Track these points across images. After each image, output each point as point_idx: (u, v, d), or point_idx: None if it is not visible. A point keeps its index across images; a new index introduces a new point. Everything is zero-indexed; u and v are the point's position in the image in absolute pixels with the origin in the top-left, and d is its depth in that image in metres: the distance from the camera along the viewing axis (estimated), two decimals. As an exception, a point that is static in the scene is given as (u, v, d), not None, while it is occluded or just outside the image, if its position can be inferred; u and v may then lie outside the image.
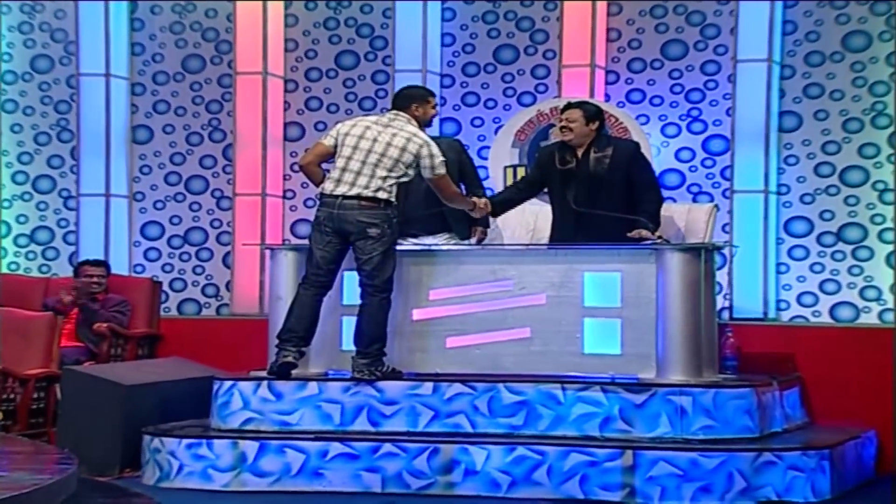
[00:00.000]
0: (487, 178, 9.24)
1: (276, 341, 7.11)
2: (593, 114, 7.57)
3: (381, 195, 6.99)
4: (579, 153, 7.51)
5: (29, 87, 10.74)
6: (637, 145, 7.81)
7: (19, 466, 4.55)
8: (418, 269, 7.37)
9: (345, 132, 7.16)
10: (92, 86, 10.52)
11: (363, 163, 7.02)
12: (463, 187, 7.64)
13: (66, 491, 4.43)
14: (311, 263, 7.08)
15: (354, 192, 6.99)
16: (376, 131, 7.12)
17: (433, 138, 7.40)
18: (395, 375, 7.07)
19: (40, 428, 7.74)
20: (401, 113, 7.21)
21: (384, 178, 7.00)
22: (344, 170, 7.05)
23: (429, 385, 7.08)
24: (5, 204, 10.70)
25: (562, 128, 7.59)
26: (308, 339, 7.09)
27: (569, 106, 7.70)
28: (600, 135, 7.60)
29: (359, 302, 7.08)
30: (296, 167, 10.25)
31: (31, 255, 10.67)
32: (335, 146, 7.15)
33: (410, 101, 7.28)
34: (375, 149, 7.04)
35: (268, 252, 7.95)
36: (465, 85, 10.54)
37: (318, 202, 7.19)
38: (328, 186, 7.08)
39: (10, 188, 10.73)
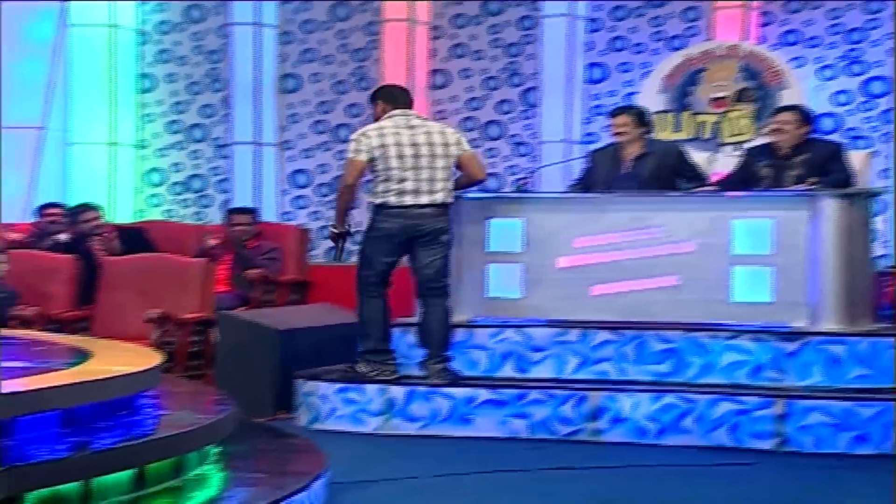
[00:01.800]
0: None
1: (374, 357, 7.11)
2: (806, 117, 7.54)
3: (450, 199, 7.00)
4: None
5: (183, 36, 11.03)
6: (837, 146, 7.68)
7: (181, 406, 4.76)
8: (563, 216, 7.40)
9: (380, 144, 6.88)
10: (243, 35, 10.76)
11: (432, 168, 6.90)
12: None
13: (225, 430, 4.62)
14: (374, 271, 7.04)
15: (435, 199, 6.91)
16: (420, 135, 6.95)
17: (657, 142, 7.66)
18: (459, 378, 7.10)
19: (198, 370, 8.02)
20: (411, 111, 7.08)
21: (448, 181, 6.97)
22: (417, 180, 6.87)
23: (575, 332, 7.14)
24: (162, 152, 11.05)
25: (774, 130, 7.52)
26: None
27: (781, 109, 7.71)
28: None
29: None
30: (441, 115, 10.36)
31: (186, 203, 11.02)
32: (371, 160, 6.92)
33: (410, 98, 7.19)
34: (436, 152, 6.91)
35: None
36: (612, 29, 10.48)
37: (378, 213, 6.96)
38: (403, 199, 6.88)
39: (165, 137, 11.07)
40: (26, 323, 7.58)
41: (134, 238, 8.89)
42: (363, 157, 6.88)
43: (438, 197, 6.92)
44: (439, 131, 7.04)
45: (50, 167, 10.67)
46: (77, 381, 3.87)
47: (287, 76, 10.88)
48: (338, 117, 10.79)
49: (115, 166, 10.86)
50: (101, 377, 4.00)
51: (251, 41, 10.74)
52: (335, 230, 7.03)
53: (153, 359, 4.76)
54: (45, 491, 3.42)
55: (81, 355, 4.78)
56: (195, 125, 11.03)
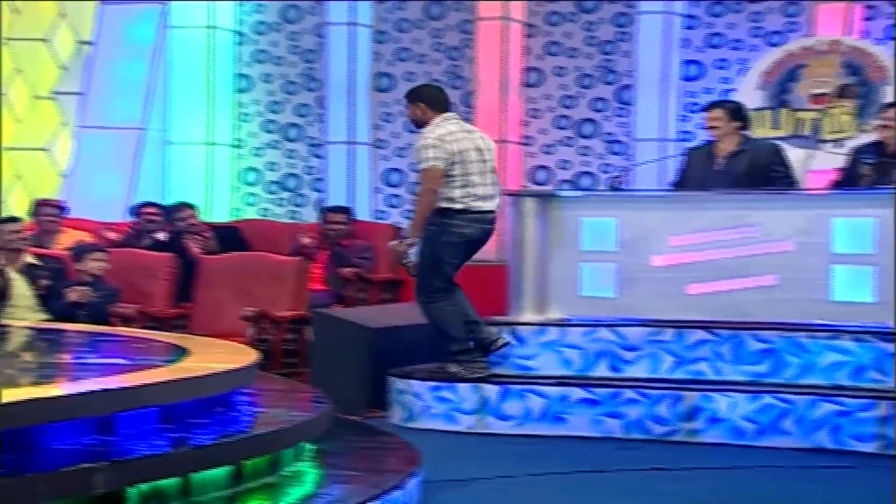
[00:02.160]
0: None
1: (463, 356, 7.09)
2: None
3: None
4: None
5: (279, 37, 11.16)
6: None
7: (277, 403, 4.81)
8: (657, 215, 7.34)
9: (459, 149, 6.85)
10: (338, 35, 10.84)
11: (493, 173, 7.04)
12: None
13: (320, 428, 4.66)
14: (443, 277, 6.96)
15: (498, 204, 7.08)
16: (479, 140, 7.02)
17: (753, 140, 7.56)
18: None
19: (293, 368, 8.10)
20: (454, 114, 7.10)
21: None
22: (485, 184, 6.94)
23: (671, 331, 7.07)
24: (257, 152, 11.18)
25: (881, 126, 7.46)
26: None
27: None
28: None
29: None
30: (534, 113, 10.35)
31: (280, 202, 11.14)
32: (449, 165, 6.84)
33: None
34: (490, 157, 7.03)
35: (507, 198, 8.03)
36: (709, 25, 10.38)
37: (454, 218, 6.84)
38: (484, 205, 6.92)
39: (261, 136, 11.20)
40: (126, 320, 7.72)
41: (229, 237, 9.02)
42: (441, 164, 6.77)
43: (498, 202, 7.07)
44: (484, 136, 7.13)
45: (149, 167, 10.86)
46: (175, 378, 3.93)
47: (381, 75, 10.94)
48: (431, 116, 10.80)
49: (212, 166, 11.01)
50: (198, 374, 4.06)
51: (346, 41, 10.82)
52: (410, 242, 6.86)
53: (249, 356, 4.81)
54: (145, 486, 3.47)
55: (179, 352, 4.85)
56: (290, 124, 11.14)
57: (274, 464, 4.20)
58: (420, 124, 6.89)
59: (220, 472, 3.83)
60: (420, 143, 6.81)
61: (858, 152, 7.58)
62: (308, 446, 4.74)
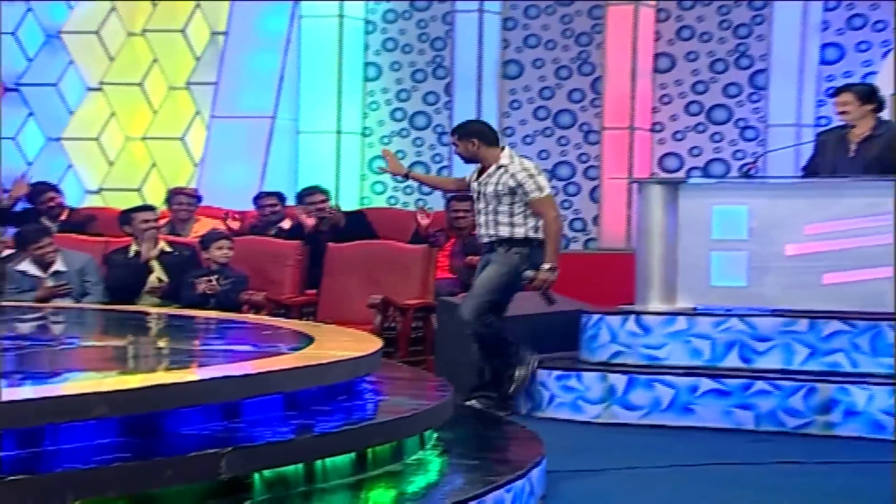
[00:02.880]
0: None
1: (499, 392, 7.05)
2: None
3: None
4: None
5: (408, 24, 11.19)
6: None
7: (400, 391, 4.83)
8: (790, 202, 7.18)
9: None
10: (466, 22, 10.84)
11: None
12: None
13: (444, 416, 4.67)
14: (504, 309, 7.01)
15: None
16: None
17: (888, 123, 7.38)
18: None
19: (420, 356, 8.14)
20: None
21: None
22: None
23: (804, 322, 6.92)
24: (384, 140, 11.26)
25: None
26: None
27: None
28: None
29: None
30: (665, 99, 10.24)
31: (408, 190, 11.19)
32: None
33: None
34: None
35: (635, 186, 7.96)
36: (850, 7, 10.12)
37: (533, 250, 6.86)
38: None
39: (389, 125, 11.27)
40: (256, 307, 7.83)
41: (356, 223, 9.08)
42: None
43: None
44: None
45: (279, 155, 11.01)
46: (300, 364, 3.97)
47: (509, 62, 10.91)
48: (559, 103, 10.76)
49: (340, 154, 11.12)
50: (322, 361, 4.09)
51: (474, 28, 10.81)
52: (554, 268, 6.85)
53: (374, 344, 4.84)
54: (270, 472, 3.51)
55: (305, 340, 4.90)
56: (418, 113, 11.18)
57: (397, 452, 4.22)
58: (470, 159, 6.98)
59: (343, 459, 3.86)
60: (523, 172, 6.82)
61: None
62: (432, 434, 4.75)
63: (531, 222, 6.82)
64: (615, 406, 6.99)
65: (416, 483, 4.09)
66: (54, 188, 9.84)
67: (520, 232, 6.81)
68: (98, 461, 3.05)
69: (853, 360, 6.80)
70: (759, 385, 6.76)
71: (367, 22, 11.26)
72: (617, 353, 7.22)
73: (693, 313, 7.22)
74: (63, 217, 9.53)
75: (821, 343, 6.87)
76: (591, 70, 10.64)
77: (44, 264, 7.98)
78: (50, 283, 7.93)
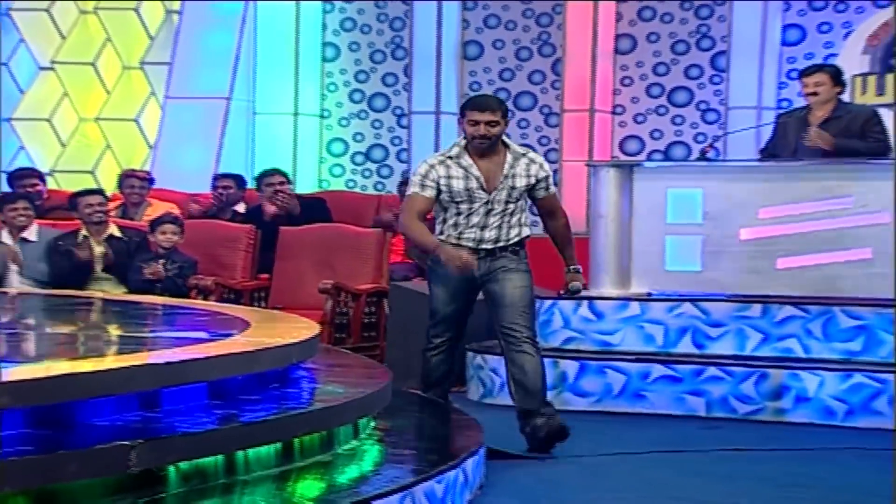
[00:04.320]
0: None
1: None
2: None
3: None
4: None
5: (366, 5, 11.08)
6: None
7: (338, 379, 4.75)
8: (746, 186, 7.13)
9: None
10: (425, 2, 10.73)
11: None
12: None
13: (378, 404, 4.59)
14: None
15: None
16: None
17: (848, 105, 7.33)
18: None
19: (373, 341, 8.05)
20: None
21: None
22: None
23: (757, 307, 6.88)
24: (343, 122, 11.15)
25: None
26: None
27: None
28: None
29: None
30: (626, 81, 10.16)
31: (366, 173, 11.10)
32: None
33: None
34: None
35: (589, 169, 7.88)
36: (812, -14, 10.08)
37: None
38: None
39: (347, 106, 11.16)
40: (204, 292, 7.72)
41: (313, 207, 8.97)
42: None
43: None
44: None
45: (235, 137, 10.88)
46: (224, 352, 3.88)
47: (470, 43, 10.81)
48: (520, 85, 10.67)
49: (298, 136, 11.00)
50: (249, 349, 4.00)
51: (434, 8, 10.71)
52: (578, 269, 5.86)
53: (310, 330, 4.75)
54: (186, 464, 3.42)
55: (242, 326, 4.81)
56: (377, 94, 11.07)
57: (328, 441, 4.13)
58: (492, 146, 5.52)
59: (268, 449, 3.77)
60: (541, 162, 5.65)
61: None
62: (370, 423, 4.67)
63: (527, 221, 5.73)
64: (566, 392, 6.93)
65: (346, 474, 4.01)
66: (38, 174, 9.76)
67: (526, 231, 5.71)
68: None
69: (805, 345, 6.77)
70: (711, 371, 6.72)
71: (325, 2, 11.14)
72: (570, 339, 7.16)
73: (646, 299, 7.17)
74: (44, 204, 9.39)
75: (773, 328, 6.83)
76: (551, 51, 10.56)
77: (15, 229, 7.95)
78: (16, 248, 7.91)
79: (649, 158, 9.96)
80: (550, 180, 5.69)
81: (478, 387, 7.20)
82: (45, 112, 11.46)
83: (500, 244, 5.60)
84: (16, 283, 7.89)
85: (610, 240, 7.28)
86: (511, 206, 5.57)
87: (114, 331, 5.09)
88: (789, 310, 6.83)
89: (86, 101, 11.46)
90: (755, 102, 10.02)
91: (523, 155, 5.61)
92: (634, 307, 7.07)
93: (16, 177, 9.64)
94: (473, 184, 5.51)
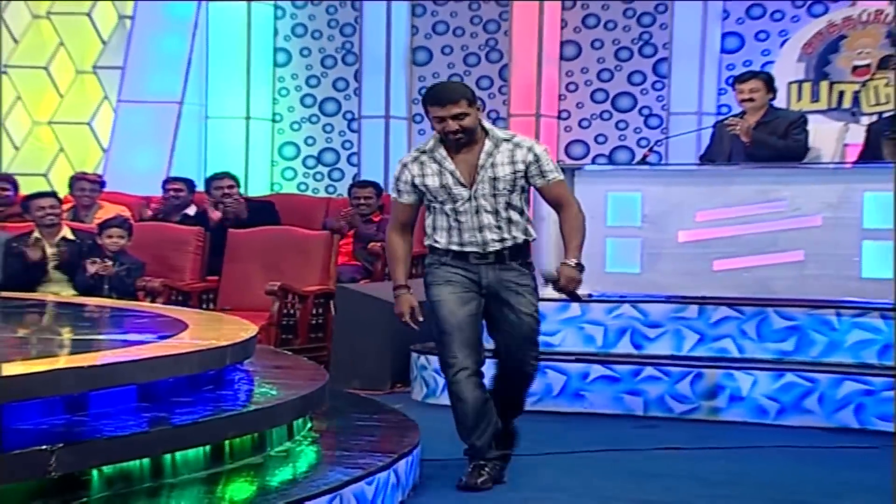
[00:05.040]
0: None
1: None
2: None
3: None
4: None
5: (317, 10, 10.99)
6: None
7: (273, 381, 4.67)
8: (683, 189, 7.10)
9: None
10: (375, 8, 10.67)
11: None
12: None
13: (315, 406, 4.52)
14: None
15: None
16: None
17: (779, 111, 7.23)
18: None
19: (320, 342, 7.97)
20: None
21: None
22: None
23: (694, 308, 6.85)
24: (294, 126, 11.05)
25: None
26: None
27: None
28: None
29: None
30: (571, 87, 10.15)
31: (318, 176, 11.01)
32: None
33: None
34: None
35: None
36: (750, -5, 10.10)
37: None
38: None
39: (299, 111, 11.07)
40: (152, 294, 7.62)
41: (262, 210, 8.88)
42: None
43: None
44: None
45: (188, 141, 10.77)
46: (151, 355, 3.79)
47: (418, 49, 10.75)
48: (468, 89, 10.63)
49: (249, 140, 10.90)
50: (177, 351, 3.92)
51: (384, 14, 10.64)
52: (581, 269, 4.85)
53: (248, 331, 4.67)
54: (109, 468, 3.34)
55: (180, 327, 4.72)
56: (328, 99, 10.99)
57: (260, 443, 4.06)
58: (470, 137, 4.67)
59: (196, 452, 3.69)
60: (539, 146, 4.84)
61: (877, 127, 7.30)
62: (306, 424, 4.60)
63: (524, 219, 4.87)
64: (507, 392, 6.85)
65: (277, 476, 3.94)
66: (10, 179, 9.63)
67: (531, 230, 4.92)
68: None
69: (740, 345, 6.75)
70: (649, 371, 6.69)
71: (277, 7, 11.04)
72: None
73: (586, 300, 7.11)
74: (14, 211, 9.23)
75: (709, 329, 6.81)
76: (498, 57, 10.52)
77: None
78: None
79: (593, 162, 9.93)
80: (547, 165, 4.73)
81: (421, 387, 7.13)
82: (-2, 115, 11.31)
83: (508, 244, 4.76)
84: None
85: (551, 241, 7.21)
86: (502, 200, 4.69)
87: (51, 333, 4.99)
88: (725, 311, 6.80)
89: (39, 105, 11.30)
90: (696, 108, 10.01)
91: (506, 140, 4.72)
92: (575, 308, 7.02)
93: None
94: (449, 179, 4.65)
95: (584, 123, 10.39)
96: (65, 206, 8.84)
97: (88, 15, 11.16)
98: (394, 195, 4.84)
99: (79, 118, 11.19)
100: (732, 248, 6.99)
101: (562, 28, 10.43)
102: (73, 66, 11.24)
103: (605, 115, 10.38)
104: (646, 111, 10.30)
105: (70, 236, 8.02)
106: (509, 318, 4.81)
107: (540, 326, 4.90)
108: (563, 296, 4.93)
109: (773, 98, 7.28)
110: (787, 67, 9.51)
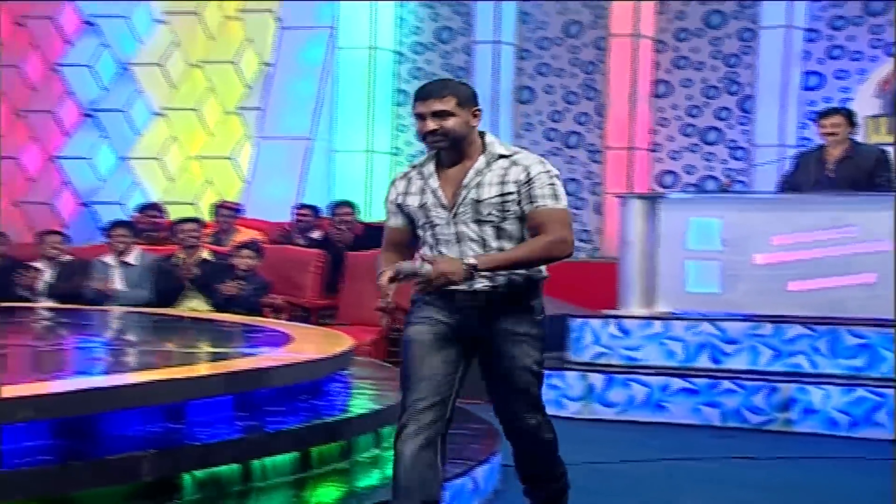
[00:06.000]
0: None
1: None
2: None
3: None
4: None
5: (433, 56, 10.92)
6: None
7: (367, 390, 4.54)
8: (761, 215, 6.81)
9: None
10: (484, 52, 10.56)
11: None
12: None
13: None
14: None
15: None
16: None
17: (860, 146, 6.90)
18: None
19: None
20: None
21: None
22: None
23: (769, 326, 6.54)
24: (412, 158, 10.96)
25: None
26: None
27: None
28: None
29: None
30: (663, 122, 9.89)
31: (432, 204, 10.90)
32: None
33: None
34: None
35: (617, 201, 7.61)
36: (830, 38, 9.68)
37: (539, 292, 3.57)
38: None
39: (416, 145, 10.97)
40: (276, 310, 7.58)
41: (379, 235, 8.78)
42: None
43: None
44: None
45: (316, 173, 10.78)
46: (241, 368, 3.69)
47: (523, 88, 10.59)
48: (567, 125, 10.42)
49: (371, 172, 10.86)
50: (270, 364, 3.82)
51: (492, 58, 10.51)
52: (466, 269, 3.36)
53: (343, 346, 4.56)
54: (201, 472, 3.24)
55: (284, 341, 4.63)
56: (442, 134, 10.89)
57: (348, 449, 3.93)
58: (455, 146, 3.41)
59: (284, 458, 3.57)
60: (539, 164, 3.45)
61: None
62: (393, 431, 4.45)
63: None
64: (594, 403, 6.66)
65: (361, 481, 3.81)
66: (157, 208, 9.80)
67: (539, 272, 3.49)
68: (16, 464, 2.79)
69: (813, 361, 6.42)
70: (726, 384, 6.41)
71: (397, 53, 11.00)
72: (599, 354, 6.88)
73: (668, 317, 6.87)
74: (164, 235, 9.37)
75: (784, 346, 6.49)
76: (595, 95, 10.29)
77: (117, 252, 7.92)
78: (118, 272, 7.85)
79: (683, 191, 9.63)
80: (539, 189, 3.39)
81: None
82: (156, 152, 11.46)
83: (502, 285, 3.41)
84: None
85: (636, 264, 7.00)
86: (489, 228, 3.41)
87: (169, 345, 4.93)
88: (798, 329, 6.49)
89: (190, 142, 11.44)
90: (778, 141, 9.64)
91: (505, 156, 3.45)
92: (658, 325, 6.78)
93: (140, 209, 9.76)
94: (429, 199, 3.46)
95: (675, 155, 10.10)
96: (207, 231, 8.88)
97: (235, 63, 11.25)
98: (385, 216, 3.65)
99: (224, 153, 11.29)
100: (806, 270, 6.68)
101: (654, 69, 10.16)
102: (220, 107, 11.35)
103: (694, 148, 10.08)
104: (731, 144, 9.97)
105: (208, 257, 8.05)
106: (499, 369, 3.48)
107: (541, 382, 3.54)
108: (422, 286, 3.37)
109: (854, 132, 6.96)
110: (865, 103, 9.10)
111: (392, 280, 3.35)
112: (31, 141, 11.66)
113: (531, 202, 3.39)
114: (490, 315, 3.41)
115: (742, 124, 9.96)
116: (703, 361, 6.63)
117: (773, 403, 6.28)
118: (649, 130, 10.14)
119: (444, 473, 3.44)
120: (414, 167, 3.56)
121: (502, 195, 3.40)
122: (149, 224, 9.41)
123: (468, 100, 3.43)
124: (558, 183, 3.44)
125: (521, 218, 3.41)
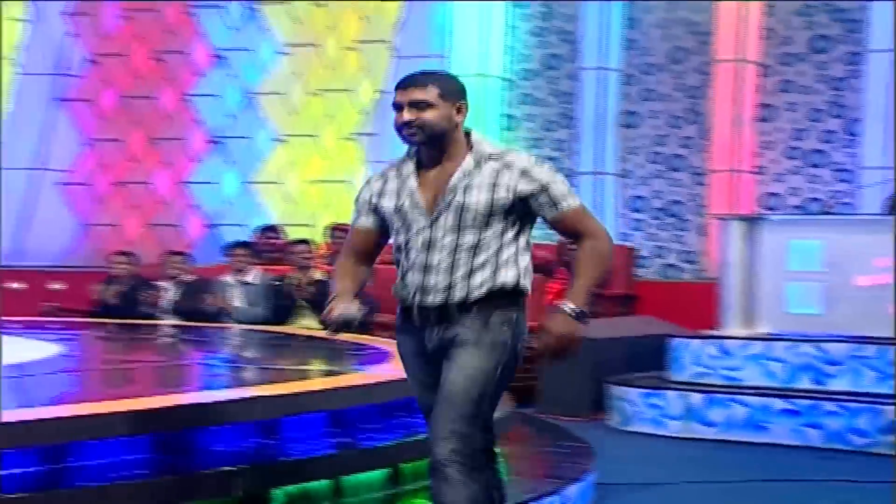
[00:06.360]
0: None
1: None
2: None
3: None
4: None
5: (540, 82, 10.83)
6: None
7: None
8: (862, 237, 6.51)
9: None
10: (590, 78, 10.42)
11: None
12: None
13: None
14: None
15: None
16: None
17: None
18: None
19: (531, 372, 7.69)
20: None
21: None
22: None
23: (872, 348, 6.24)
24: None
25: None
26: None
27: None
28: None
29: None
30: (768, 145, 9.60)
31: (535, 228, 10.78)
32: None
33: None
34: None
35: (716, 223, 7.37)
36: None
37: (522, 308, 3.20)
38: None
39: (523, 169, 10.88)
40: (386, 328, 7.55)
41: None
42: None
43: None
44: None
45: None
46: (338, 386, 3.64)
47: (628, 113, 10.41)
48: (672, 148, 10.20)
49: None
50: (362, 382, 3.75)
51: (597, 83, 10.36)
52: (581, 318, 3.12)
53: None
54: (292, 487, 3.19)
55: (383, 360, 4.57)
56: (548, 158, 10.76)
57: (440, 467, 3.82)
58: (433, 141, 3.10)
59: (376, 474, 3.50)
60: (540, 167, 3.05)
61: None
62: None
63: (525, 260, 3.10)
64: (694, 422, 6.43)
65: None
66: (275, 229, 9.95)
67: (510, 277, 3.06)
68: (112, 478, 2.78)
69: (918, 384, 6.09)
70: (828, 406, 6.11)
71: (506, 80, 10.92)
72: (700, 374, 6.66)
73: (768, 338, 6.61)
74: (279, 255, 9.49)
75: (887, 367, 6.17)
76: (700, 119, 10.04)
77: (236, 272, 8.03)
78: (237, 291, 7.95)
79: (783, 213, 9.32)
80: (557, 191, 3.01)
81: (617, 415, 6.77)
82: (277, 176, 11.60)
83: (457, 299, 3.00)
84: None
85: (737, 285, 6.76)
86: (469, 236, 2.99)
87: (272, 362, 4.92)
88: (903, 350, 6.16)
89: (309, 167, 11.55)
90: (883, 163, 9.25)
91: (495, 157, 3.04)
92: (758, 346, 6.53)
93: (259, 230, 9.93)
94: (406, 201, 3.08)
95: (779, 178, 9.78)
96: (321, 252, 8.92)
97: (351, 91, 11.33)
98: (351, 218, 3.23)
99: (340, 177, 11.36)
100: (910, 292, 6.34)
101: (758, 93, 9.87)
102: (337, 133, 11.44)
103: (799, 171, 9.75)
104: (836, 166, 9.61)
105: (321, 277, 8.07)
106: (444, 378, 2.99)
107: (482, 394, 2.99)
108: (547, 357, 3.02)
109: None
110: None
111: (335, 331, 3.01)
112: (162, 166, 11.93)
113: (555, 206, 2.99)
114: (444, 328, 3.01)
115: (847, 147, 9.60)
116: (805, 383, 6.35)
117: (876, 426, 5.97)
118: (753, 153, 9.84)
119: (503, 488, 2.98)
120: (392, 166, 3.17)
121: (492, 202, 2.98)
122: (267, 245, 9.52)
123: (453, 93, 3.09)
124: (560, 174, 3.07)
125: (510, 225, 3.00)
